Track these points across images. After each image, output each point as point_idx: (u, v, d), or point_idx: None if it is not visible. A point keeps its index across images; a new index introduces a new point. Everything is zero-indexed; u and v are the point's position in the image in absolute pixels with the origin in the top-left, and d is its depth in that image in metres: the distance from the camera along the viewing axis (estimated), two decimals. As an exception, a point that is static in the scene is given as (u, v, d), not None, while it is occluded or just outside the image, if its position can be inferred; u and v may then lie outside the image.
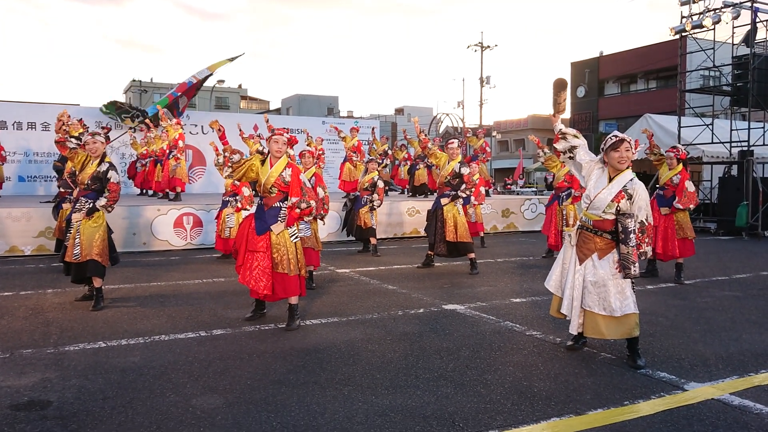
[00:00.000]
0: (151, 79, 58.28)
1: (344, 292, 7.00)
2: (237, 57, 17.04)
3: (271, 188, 5.29)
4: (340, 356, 4.54)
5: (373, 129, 17.26)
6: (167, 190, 13.07)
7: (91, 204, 5.99)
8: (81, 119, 9.59)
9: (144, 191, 14.86)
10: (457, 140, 8.54)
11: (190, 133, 16.80)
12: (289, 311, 5.40)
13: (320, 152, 8.72)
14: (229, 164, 5.39)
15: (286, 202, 5.30)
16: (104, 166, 6.02)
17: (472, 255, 8.49)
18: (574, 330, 4.51)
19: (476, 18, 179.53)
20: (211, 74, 16.23)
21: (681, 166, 7.90)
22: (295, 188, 5.27)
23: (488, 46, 41.23)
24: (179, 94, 15.81)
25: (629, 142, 4.32)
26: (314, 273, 7.36)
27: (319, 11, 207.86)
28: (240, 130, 11.80)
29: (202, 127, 17.31)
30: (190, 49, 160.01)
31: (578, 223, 4.61)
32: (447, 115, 43.87)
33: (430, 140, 9.25)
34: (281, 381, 3.98)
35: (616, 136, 4.35)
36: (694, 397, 3.76)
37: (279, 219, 5.27)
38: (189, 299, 6.55)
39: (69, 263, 6.06)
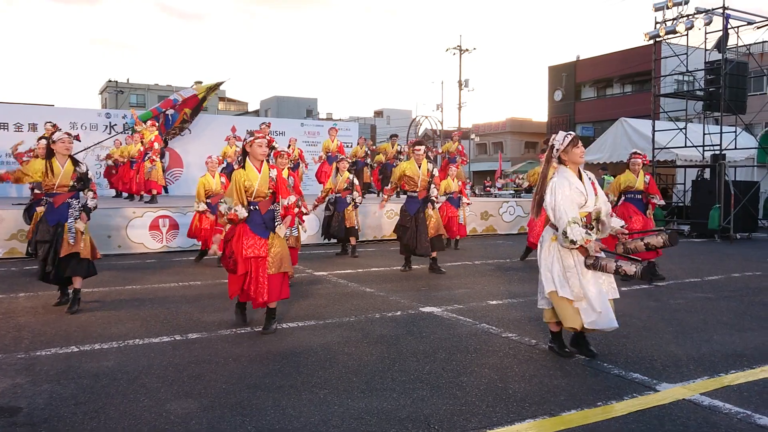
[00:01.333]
0: (128, 80, 57.63)
1: (322, 295, 6.98)
2: (223, 82, 17.47)
3: (267, 191, 5.26)
4: (316, 359, 4.53)
5: (335, 130, 16.72)
6: (142, 193, 12.95)
7: (83, 203, 6.05)
8: (55, 124, 9.54)
9: (120, 193, 14.68)
10: (423, 146, 8.71)
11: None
12: (267, 314, 5.34)
13: (299, 151, 8.74)
14: (224, 218, 5.22)
15: (275, 204, 5.30)
16: (83, 166, 6.10)
17: (436, 253, 8.67)
18: (610, 324, 4.30)
19: (455, 21, 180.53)
20: (198, 95, 16.32)
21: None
22: (283, 187, 5.28)
23: (467, 50, 41.51)
24: (164, 110, 15.80)
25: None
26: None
27: (298, 13, 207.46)
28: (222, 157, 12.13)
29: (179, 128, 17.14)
30: (167, 49, 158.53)
31: (586, 234, 4.27)
32: (426, 117, 43.99)
33: (400, 146, 9.35)
34: (257, 385, 3.96)
35: (571, 134, 4.43)
36: (666, 398, 3.82)
37: (278, 222, 5.27)
38: (164, 303, 6.49)
39: (46, 267, 5.96)
